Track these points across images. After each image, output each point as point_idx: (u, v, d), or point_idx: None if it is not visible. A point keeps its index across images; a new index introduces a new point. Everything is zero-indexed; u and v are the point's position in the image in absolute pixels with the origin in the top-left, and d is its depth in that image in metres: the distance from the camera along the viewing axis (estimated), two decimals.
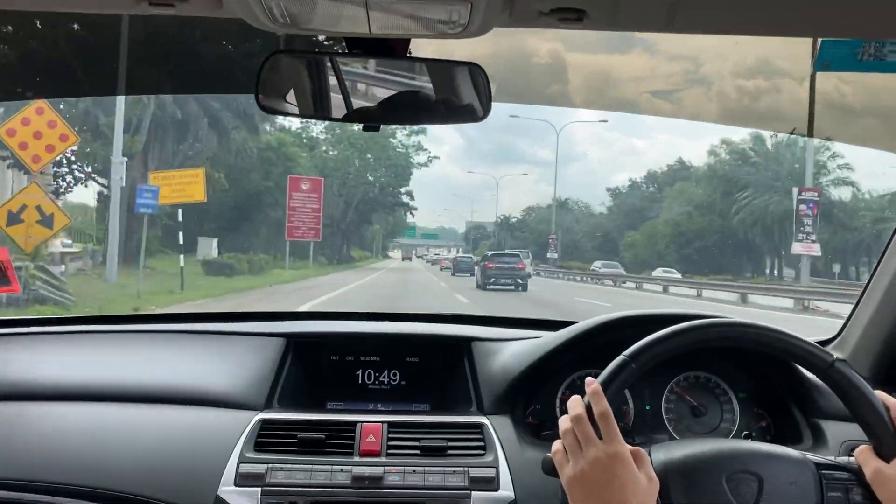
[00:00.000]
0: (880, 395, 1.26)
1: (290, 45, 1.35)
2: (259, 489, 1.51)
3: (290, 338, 1.91)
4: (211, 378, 1.81)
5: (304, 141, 37.65)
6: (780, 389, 1.79)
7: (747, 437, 1.75)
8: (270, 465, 1.54)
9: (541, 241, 51.50)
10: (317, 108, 1.29)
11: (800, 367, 1.75)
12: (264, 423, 1.65)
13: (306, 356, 1.91)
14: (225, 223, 28.44)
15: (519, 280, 22.82)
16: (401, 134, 39.11)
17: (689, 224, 41.57)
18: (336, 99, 1.30)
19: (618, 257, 43.90)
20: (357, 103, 1.30)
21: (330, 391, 1.91)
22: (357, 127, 1.36)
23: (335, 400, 1.90)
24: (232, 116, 26.38)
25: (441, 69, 1.31)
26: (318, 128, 38.20)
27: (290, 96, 1.28)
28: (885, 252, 1.73)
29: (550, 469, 1.27)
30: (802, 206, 20.18)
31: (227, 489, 1.51)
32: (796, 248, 20.77)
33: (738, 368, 1.84)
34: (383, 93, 1.30)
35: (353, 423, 1.65)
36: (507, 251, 29.80)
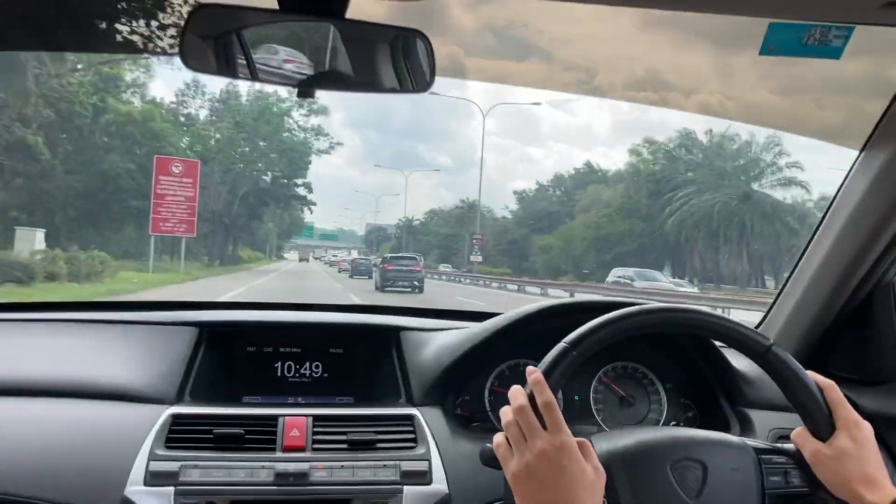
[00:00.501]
0: (813, 376, 1.27)
1: None
2: (172, 489, 1.38)
3: (203, 327, 1.77)
4: (115, 370, 1.65)
5: (181, 119, 32.63)
6: (707, 379, 1.80)
7: (675, 426, 1.75)
8: (184, 463, 1.41)
9: (445, 244, 50.87)
10: (246, 67, 1.18)
11: (726, 357, 1.77)
12: (176, 418, 1.51)
13: (220, 347, 1.77)
14: (74, 212, 24.13)
15: (416, 282, 23.49)
16: (297, 114, 34.33)
17: (611, 227, 40.02)
18: (267, 59, 1.19)
19: (528, 262, 43.73)
20: (290, 65, 1.20)
21: (246, 384, 1.78)
22: (283, 92, 1.25)
23: (252, 394, 1.77)
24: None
25: (383, 34, 1.23)
26: (197, 102, 33.39)
27: (217, 53, 1.17)
28: (812, 237, 1.76)
29: (490, 460, 1.20)
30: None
31: (135, 489, 1.37)
32: None
33: (665, 359, 1.84)
34: (320, 56, 1.21)
35: (275, 417, 1.54)
36: (405, 254, 30.42)
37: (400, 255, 29.50)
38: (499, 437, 1.17)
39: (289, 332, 1.84)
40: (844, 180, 1.63)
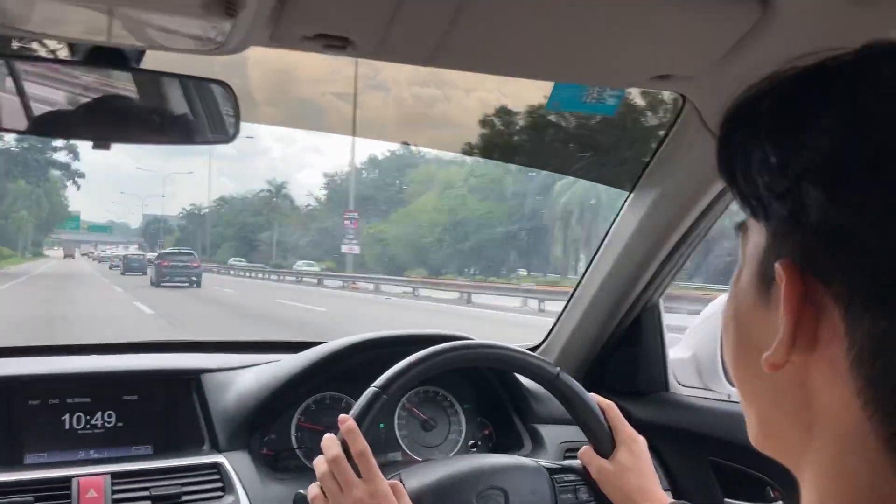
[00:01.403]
0: (595, 397, 1.41)
1: None
2: None
3: None
4: None
5: None
6: (502, 399, 1.91)
7: (473, 446, 1.86)
8: None
9: (241, 235, 46.14)
10: (31, 121, 1.09)
11: (517, 378, 1.89)
12: None
13: None
14: None
15: (193, 277, 24.35)
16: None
17: (468, 211, 34.74)
18: (59, 112, 1.11)
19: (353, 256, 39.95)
20: (85, 118, 1.13)
21: (29, 441, 1.61)
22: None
23: (36, 451, 1.61)
24: None
25: (183, 85, 1.19)
26: None
27: (8, 109, 1.07)
28: (587, 268, 1.93)
29: None
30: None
31: None
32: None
33: (463, 381, 1.93)
34: (115, 107, 1.15)
35: (68, 479, 1.43)
36: (182, 249, 30.69)
37: (177, 250, 29.66)
38: (314, 489, 1.19)
39: (76, 381, 1.69)
40: (617, 216, 1.81)
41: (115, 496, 1.43)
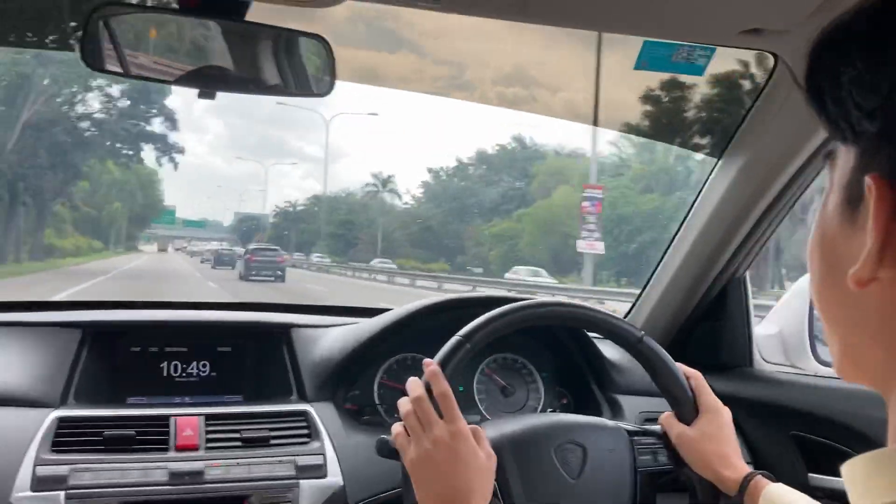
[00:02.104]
0: (680, 366, 1.40)
1: None
2: (62, 493, 1.35)
3: (87, 328, 1.71)
4: None
5: None
6: (580, 368, 1.92)
7: (552, 413, 1.87)
8: (73, 466, 1.38)
9: (338, 232, 44.01)
10: (147, 67, 1.17)
11: (598, 347, 1.90)
12: (62, 421, 1.47)
13: (104, 348, 1.72)
14: None
15: (278, 272, 24.81)
16: None
17: (633, 205, 29.02)
18: (168, 59, 1.19)
19: (464, 256, 36.83)
20: (192, 66, 1.20)
21: (131, 385, 1.73)
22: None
23: (136, 395, 1.73)
24: None
25: (282, 38, 1.25)
26: None
27: (118, 53, 1.15)
28: (674, 236, 1.91)
29: (387, 451, 1.26)
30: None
31: (21, 495, 1.33)
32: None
33: (542, 349, 1.95)
34: (221, 57, 1.22)
35: (166, 417, 1.53)
36: (268, 246, 31.41)
37: (264, 246, 30.45)
38: (397, 427, 1.23)
39: (175, 331, 1.81)
40: (704, 184, 1.79)
41: (209, 435, 1.52)
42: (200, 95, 1.22)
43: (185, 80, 1.21)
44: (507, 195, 40.01)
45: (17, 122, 23.90)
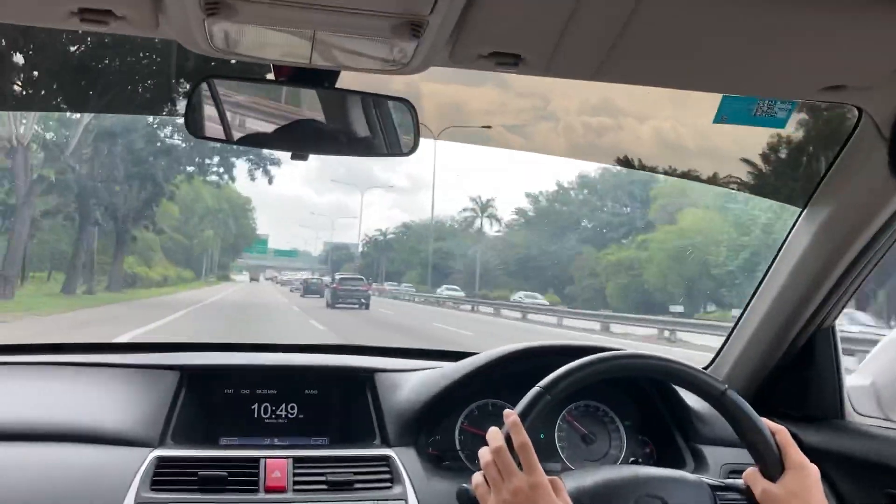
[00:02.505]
0: (765, 421, 1.38)
1: (215, 69, 1.31)
2: None
3: (185, 370, 1.82)
4: (101, 413, 1.69)
5: None
6: (663, 417, 1.90)
7: (634, 462, 1.85)
8: None
9: (430, 261, 42.09)
10: (244, 133, 1.26)
11: (681, 397, 1.88)
12: (160, 461, 1.56)
13: (200, 390, 1.82)
14: None
15: (363, 300, 26.14)
16: None
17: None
18: (264, 126, 1.27)
19: (574, 287, 33.78)
20: (286, 131, 1.28)
21: (224, 426, 1.82)
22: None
23: (229, 435, 1.81)
24: None
25: (370, 102, 1.32)
26: None
27: (218, 121, 1.24)
28: (758, 287, 1.89)
29: (467, 499, 1.29)
30: None
31: None
32: None
33: (624, 397, 1.94)
34: (311, 121, 1.29)
35: (257, 459, 1.60)
36: (353, 275, 33.43)
37: (350, 276, 32.14)
38: (477, 478, 1.26)
39: (266, 374, 1.89)
40: (789, 233, 1.77)
41: (297, 478, 1.58)
42: (293, 157, 1.29)
43: (280, 144, 1.29)
44: (619, 221, 37.37)
45: (89, 128, 21.81)
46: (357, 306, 25.41)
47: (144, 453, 1.58)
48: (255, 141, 1.28)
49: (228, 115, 1.23)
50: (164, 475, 1.53)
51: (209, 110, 1.21)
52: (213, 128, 1.24)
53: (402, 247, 47.73)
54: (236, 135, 1.26)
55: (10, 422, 1.63)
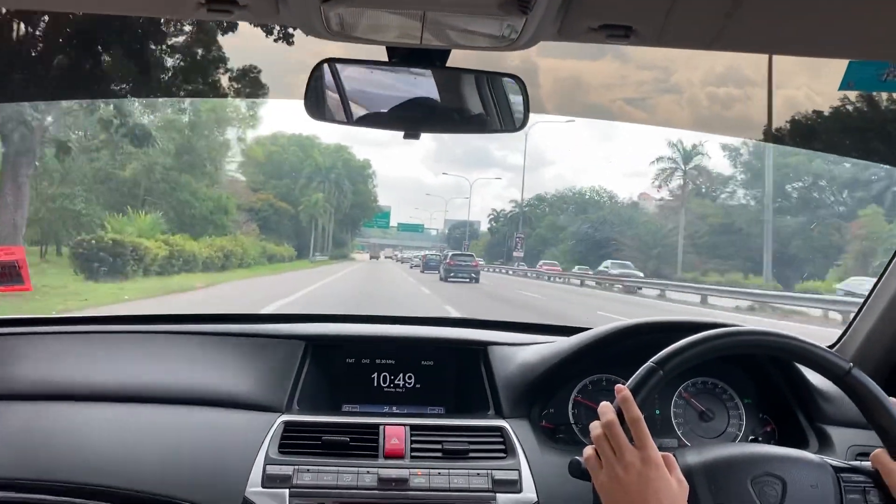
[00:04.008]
0: (893, 400, 1.32)
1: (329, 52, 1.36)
2: (287, 490, 1.52)
3: (310, 340, 1.91)
4: (232, 379, 1.81)
5: None
6: (785, 395, 1.84)
7: (753, 441, 1.81)
8: (297, 467, 1.56)
9: (577, 236, 38.25)
10: (359, 115, 1.31)
11: (804, 373, 1.81)
12: (287, 426, 1.66)
13: (324, 359, 1.91)
14: None
15: (473, 275, 27.91)
16: None
17: None
18: (378, 107, 1.32)
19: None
20: (399, 111, 1.32)
21: (345, 394, 1.92)
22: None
23: (350, 402, 1.91)
24: None
25: (482, 80, 1.34)
26: None
27: (334, 103, 1.30)
28: (891, 261, 1.79)
29: (579, 473, 1.30)
30: None
31: (254, 490, 1.52)
32: None
33: (743, 374, 1.89)
34: (424, 101, 1.33)
35: (376, 426, 1.67)
36: (465, 252, 34.81)
37: (460, 252, 34.05)
38: (588, 451, 1.27)
39: (384, 344, 1.96)
40: None
41: (414, 444, 1.64)
42: (406, 136, 1.33)
43: (396, 124, 1.34)
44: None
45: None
46: (468, 280, 27.19)
47: (273, 418, 1.68)
48: (371, 121, 1.33)
49: (346, 97, 1.28)
50: (291, 439, 1.63)
51: (328, 93, 1.27)
52: (332, 110, 1.30)
53: (539, 222, 43.72)
54: (354, 116, 1.31)
55: (150, 385, 1.78)
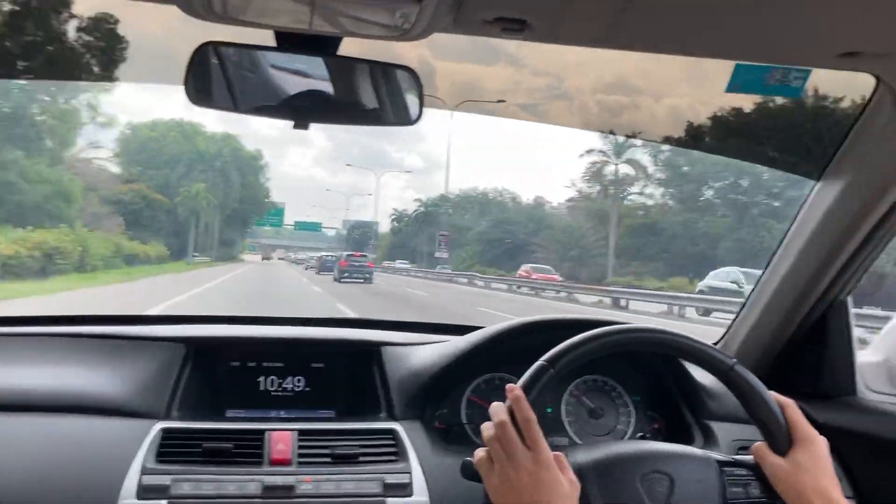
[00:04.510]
0: (773, 395, 1.36)
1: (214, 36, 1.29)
2: (165, 502, 1.43)
3: (191, 343, 1.81)
4: (106, 385, 1.69)
5: None
6: (672, 392, 1.88)
7: (642, 438, 1.84)
8: (175, 477, 1.46)
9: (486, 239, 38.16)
10: (245, 102, 1.24)
11: (690, 372, 1.86)
12: (166, 433, 1.56)
13: (206, 362, 1.82)
14: None
15: (367, 275, 28.30)
16: None
17: None
18: (265, 94, 1.26)
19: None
20: (289, 100, 1.26)
21: (229, 399, 1.82)
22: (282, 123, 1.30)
23: (235, 408, 1.82)
24: None
25: (374, 69, 1.30)
26: None
27: (219, 89, 1.23)
28: (770, 260, 1.86)
29: (471, 474, 1.27)
30: None
31: (128, 502, 1.42)
32: None
33: (633, 372, 1.92)
34: (315, 90, 1.27)
35: (261, 432, 1.59)
36: (357, 252, 34.63)
37: (353, 253, 33.65)
38: (480, 452, 1.24)
39: (272, 346, 1.88)
40: (802, 205, 1.73)
41: (301, 451, 1.57)
42: (296, 126, 1.27)
43: (285, 113, 1.27)
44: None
45: None
46: (361, 280, 27.32)
47: (150, 425, 1.58)
48: (259, 109, 1.26)
49: (232, 82, 1.21)
50: (170, 447, 1.53)
51: (213, 78, 1.20)
52: (216, 96, 1.22)
53: (444, 222, 42.70)
54: (240, 103, 1.24)
55: (17, 392, 1.64)
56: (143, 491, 1.44)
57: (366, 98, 1.31)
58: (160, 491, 1.44)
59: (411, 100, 1.32)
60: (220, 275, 24.20)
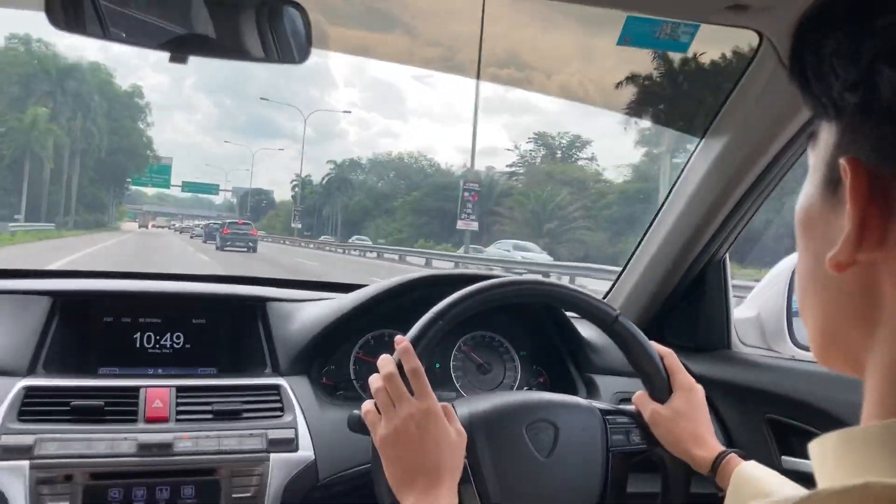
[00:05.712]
0: (654, 345, 1.40)
1: None
2: (27, 462, 1.33)
3: (57, 296, 1.69)
4: None
5: None
6: (558, 348, 1.92)
7: (528, 391, 1.87)
8: (39, 436, 1.37)
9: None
10: (117, 28, 1.14)
11: (576, 328, 1.89)
12: (29, 391, 1.45)
13: (76, 317, 1.70)
14: None
15: (251, 243, 28.14)
16: None
17: None
18: (140, 21, 1.16)
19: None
20: (164, 29, 1.17)
21: (103, 356, 1.72)
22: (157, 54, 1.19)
23: (108, 365, 1.71)
24: None
25: (262, 4, 1.22)
26: None
27: (86, 12, 1.12)
28: (655, 216, 1.90)
29: (358, 426, 1.25)
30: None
31: None
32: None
33: (520, 328, 1.94)
34: (200, 22, 1.19)
35: (136, 389, 1.51)
36: (241, 220, 35.33)
37: (236, 221, 34.05)
38: (367, 404, 1.22)
39: (148, 301, 1.78)
40: (685, 165, 1.78)
41: (180, 407, 1.50)
42: (172, 60, 1.19)
43: (163, 44, 1.18)
44: None
45: None
46: (245, 249, 27.34)
47: (11, 383, 1.46)
48: (131, 37, 1.16)
49: (101, 5, 1.11)
50: (33, 405, 1.43)
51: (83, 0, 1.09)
52: (82, 19, 1.11)
53: (355, 190, 40.61)
54: (110, 29, 1.14)
55: None
56: (3, 452, 1.33)
57: (250, 32, 1.23)
58: (22, 451, 1.34)
59: (298, 38, 1.26)
60: (67, 252, 18.04)
